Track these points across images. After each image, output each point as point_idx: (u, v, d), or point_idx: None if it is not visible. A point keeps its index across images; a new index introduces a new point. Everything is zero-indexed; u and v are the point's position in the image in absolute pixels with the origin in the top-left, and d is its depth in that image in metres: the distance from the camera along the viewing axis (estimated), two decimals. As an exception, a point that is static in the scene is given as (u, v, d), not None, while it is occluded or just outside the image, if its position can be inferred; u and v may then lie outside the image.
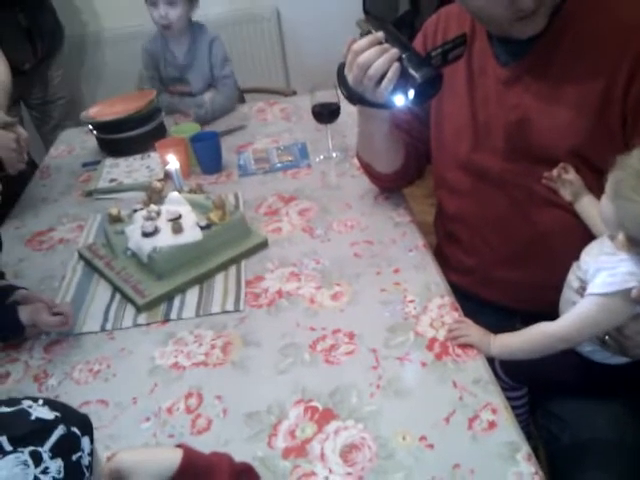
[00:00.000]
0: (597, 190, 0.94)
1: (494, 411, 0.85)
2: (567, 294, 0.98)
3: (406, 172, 1.33)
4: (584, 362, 0.99)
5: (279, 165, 1.59)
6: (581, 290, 0.93)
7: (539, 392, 1.12)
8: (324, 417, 0.87)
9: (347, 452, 0.81)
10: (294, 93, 2.37)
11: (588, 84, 1.01)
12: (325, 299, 1.10)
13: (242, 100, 2.50)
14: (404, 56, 1.03)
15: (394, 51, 1.03)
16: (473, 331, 0.97)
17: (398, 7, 3.16)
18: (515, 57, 1.08)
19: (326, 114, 1.51)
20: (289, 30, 3.31)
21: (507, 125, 1.10)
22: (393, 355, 0.96)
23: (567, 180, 1.04)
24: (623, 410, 1.02)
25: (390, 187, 1.39)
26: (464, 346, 0.96)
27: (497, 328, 0.98)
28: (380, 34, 1.05)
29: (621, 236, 0.86)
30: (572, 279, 0.97)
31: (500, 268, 1.18)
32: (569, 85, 1.03)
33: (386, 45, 1.03)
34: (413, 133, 1.31)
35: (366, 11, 3.32)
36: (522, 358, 0.96)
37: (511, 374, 1.06)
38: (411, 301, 1.06)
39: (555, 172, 1.05)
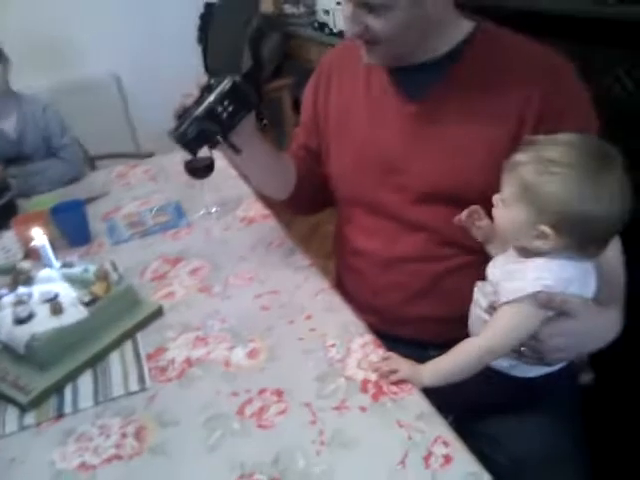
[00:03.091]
0: None
1: (446, 444, 0.81)
2: (476, 313, 0.99)
3: (299, 201, 1.28)
4: (505, 379, 0.99)
5: (156, 227, 1.48)
6: (490, 309, 0.94)
7: (465, 416, 1.11)
8: (273, 489, 0.78)
9: (309, 523, 0.73)
10: (150, 155, 2.27)
11: (499, 122, 1.01)
12: (241, 359, 1.01)
13: (92, 167, 2.36)
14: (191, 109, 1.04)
15: (187, 101, 1.04)
16: (402, 365, 0.94)
17: (241, 65, 3.18)
18: (422, 90, 1.06)
19: (202, 169, 1.44)
20: (132, 95, 3.20)
21: (415, 163, 1.08)
22: (329, 406, 0.89)
23: (480, 226, 1.01)
24: (551, 420, 1.03)
25: (290, 212, 1.36)
26: (397, 382, 0.92)
27: (412, 359, 0.95)
28: (202, 83, 1.05)
29: (546, 228, 0.85)
30: (479, 297, 0.98)
31: (407, 306, 1.16)
32: (479, 122, 1.02)
33: (192, 94, 1.04)
34: (301, 159, 1.27)
35: (208, 71, 3.32)
36: (454, 380, 0.93)
37: (436, 404, 1.04)
38: (332, 345, 1.01)
39: (465, 214, 1.01)
